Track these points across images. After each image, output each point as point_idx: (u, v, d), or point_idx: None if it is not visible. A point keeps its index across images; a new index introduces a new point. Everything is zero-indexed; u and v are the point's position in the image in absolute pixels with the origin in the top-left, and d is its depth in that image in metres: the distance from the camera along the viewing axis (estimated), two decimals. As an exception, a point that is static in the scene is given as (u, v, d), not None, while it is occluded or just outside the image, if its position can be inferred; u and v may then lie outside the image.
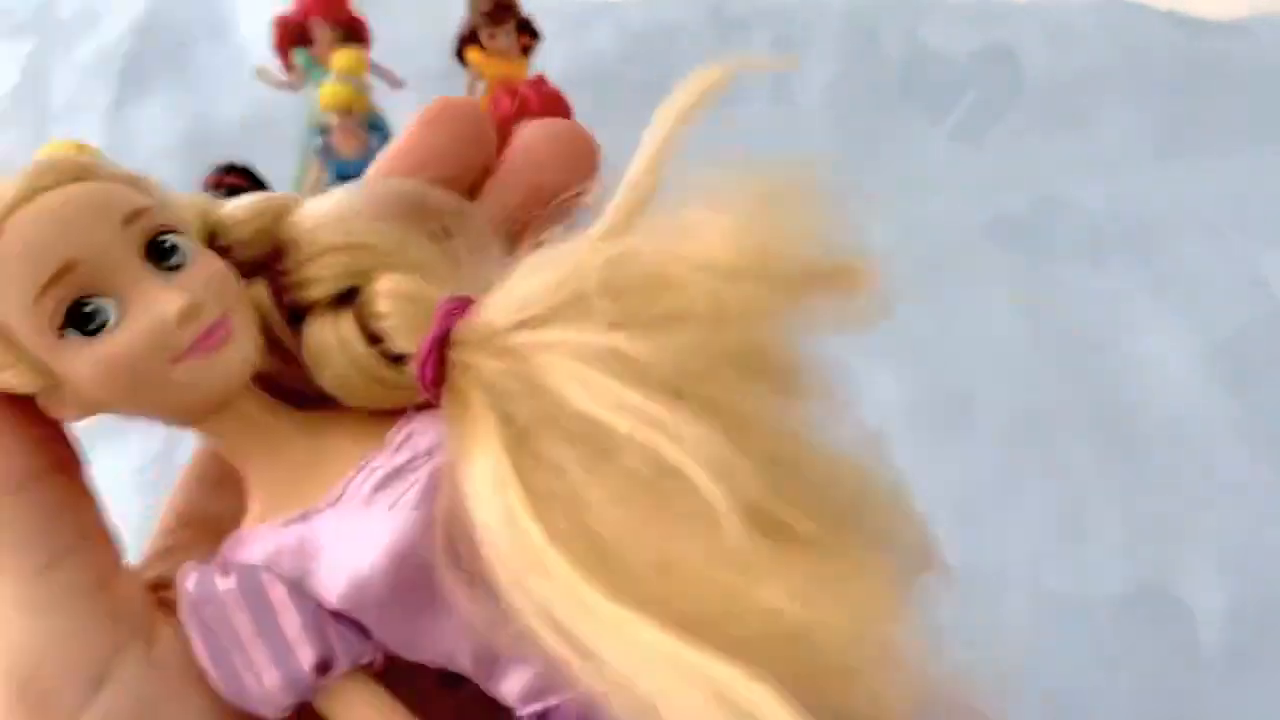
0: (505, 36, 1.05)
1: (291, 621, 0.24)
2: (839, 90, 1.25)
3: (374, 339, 0.25)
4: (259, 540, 0.25)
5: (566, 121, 0.31)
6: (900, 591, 0.23)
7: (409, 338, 0.25)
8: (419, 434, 0.25)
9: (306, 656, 0.23)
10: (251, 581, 0.24)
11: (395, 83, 1.14)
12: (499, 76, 1.04)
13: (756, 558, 0.21)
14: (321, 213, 0.26)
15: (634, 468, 0.22)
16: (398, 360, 0.25)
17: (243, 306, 0.25)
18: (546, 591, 0.21)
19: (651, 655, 0.21)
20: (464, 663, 0.24)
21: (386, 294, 0.25)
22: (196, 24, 1.39)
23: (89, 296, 0.23)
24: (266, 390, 0.26)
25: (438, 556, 0.23)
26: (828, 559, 0.22)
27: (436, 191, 0.28)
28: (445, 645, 0.24)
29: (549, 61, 1.29)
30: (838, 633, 0.21)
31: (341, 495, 0.25)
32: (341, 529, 0.24)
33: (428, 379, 0.24)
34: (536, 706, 0.24)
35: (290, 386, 0.27)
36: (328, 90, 0.93)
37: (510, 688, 0.24)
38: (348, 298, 0.26)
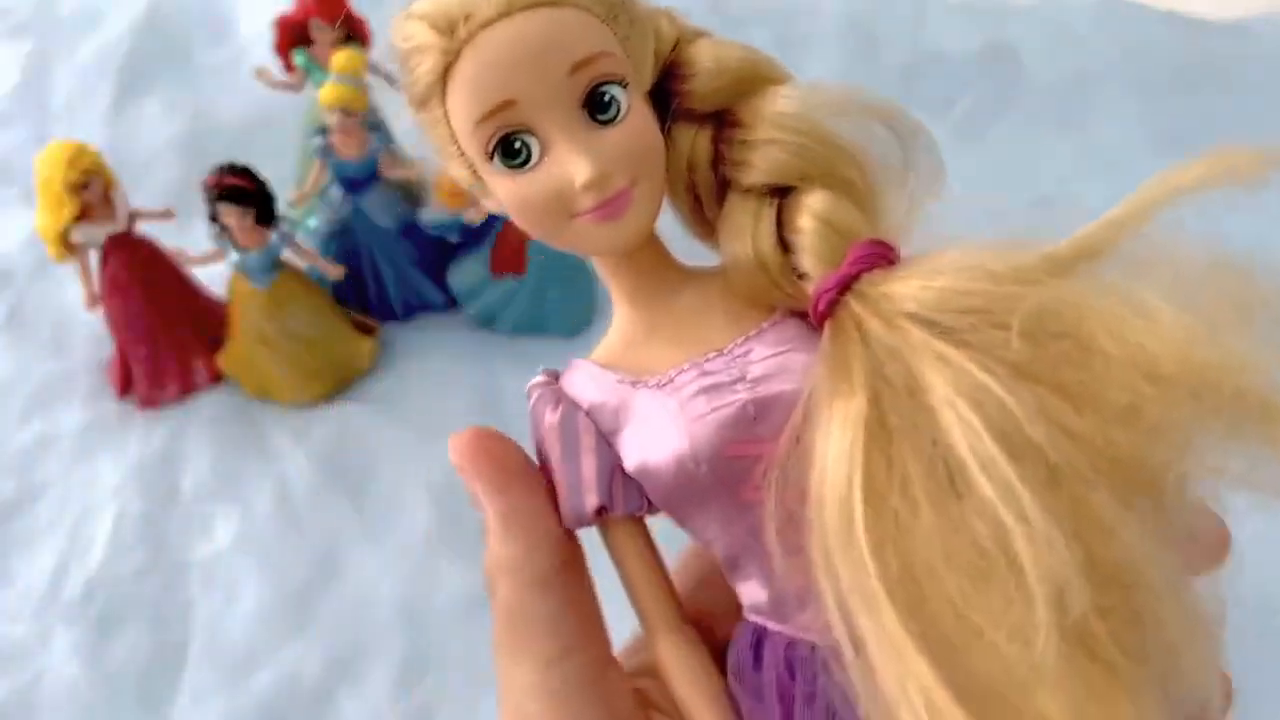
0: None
1: (589, 466, 0.28)
2: (839, 90, 1.26)
3: (785, 242, 0.27)
4: (593, 382, 0.29)
5: None
6: None
7: (816, 263, 0.26)
8: (756, 354, 0.27)
9: (591, 501, 0.28)
10: (570, 423, 0.29)
11: (396, 83, 1.14)
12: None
13: (1054, 666, 0.21)
14: (790, 104, 0.27)
15: (975, 527, 0.21)
16: (797, 272, 0.26)
17: (653, 176, 0.27)
18: (848, 579, 0.22)
19: (914, 687, 0.21)
20: (715, 554, 0.28)
21: (812, 214, 0.26)
22: (196, 24, 1.39)
23: (519, 133, 0.26)
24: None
25: (715, 478, 0.26)
26: (1116, 692, 0.21)
27: (902, 111, 0.27)
28: (703, 536, 0.28)
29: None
30: None
31: (669, 382, 0.27)
32: (654, 414, 0.27)
33: (819, 311, 0.25)
34: (759, 620, 0.28)
35: (690, 227, 0.29)
36: (327, 90, 0.94)
37: (744, 592, 0.28)
38: (778, 189, 0.27)
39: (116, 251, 0.96)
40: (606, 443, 0.28)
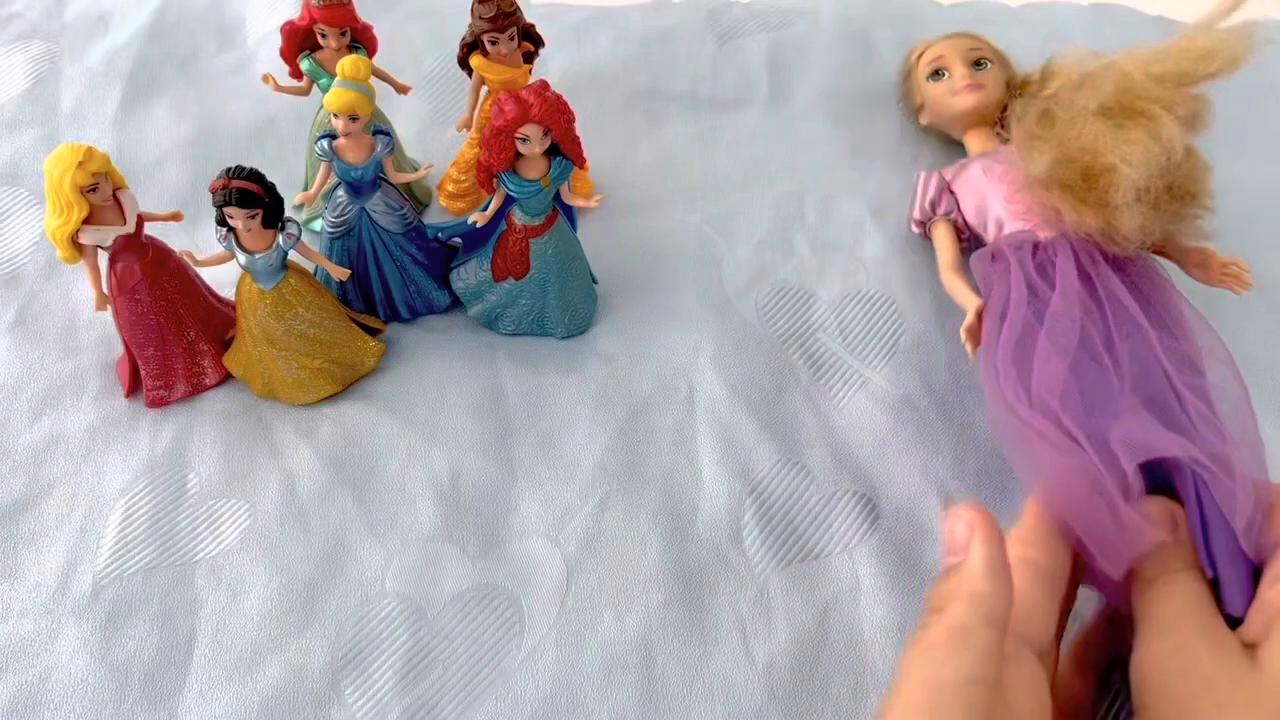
0: (507, 43, 1.07)
1: (934, 188, 0.99)
2: (835, 95, 1.27)
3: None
4: (948, 170, 0.99)
5: None
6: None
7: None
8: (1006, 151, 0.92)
9: (931, 198, 0.98)
10: (931, 174, 0.99)
11: (400, 89, 1.15)
12: (502, 83, 1.06)
13: (1110, 116, 0.79)
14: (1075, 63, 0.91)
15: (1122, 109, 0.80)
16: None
17: (997, 86, 1.05)
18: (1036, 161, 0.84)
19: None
20: (988, 233, 0.92)
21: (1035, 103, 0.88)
22: (204, 29, 1.40)
23: (943, 69, 1.08)
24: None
25: (990, 184, 0.93)
26: (1139, 128, 0.77)
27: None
28: (983, 216, 0.93)
29: (551, 67, 1.30)
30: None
31: (979, 159, 0.97)
32: (965, 172, 0.97)
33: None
34: (998, 241, 0.88)
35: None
36: (333, 95, 0.95)
37: (994, 230, 0.91)
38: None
39: (125, 253, 0.96)
40: (946, 184, 0.97)
